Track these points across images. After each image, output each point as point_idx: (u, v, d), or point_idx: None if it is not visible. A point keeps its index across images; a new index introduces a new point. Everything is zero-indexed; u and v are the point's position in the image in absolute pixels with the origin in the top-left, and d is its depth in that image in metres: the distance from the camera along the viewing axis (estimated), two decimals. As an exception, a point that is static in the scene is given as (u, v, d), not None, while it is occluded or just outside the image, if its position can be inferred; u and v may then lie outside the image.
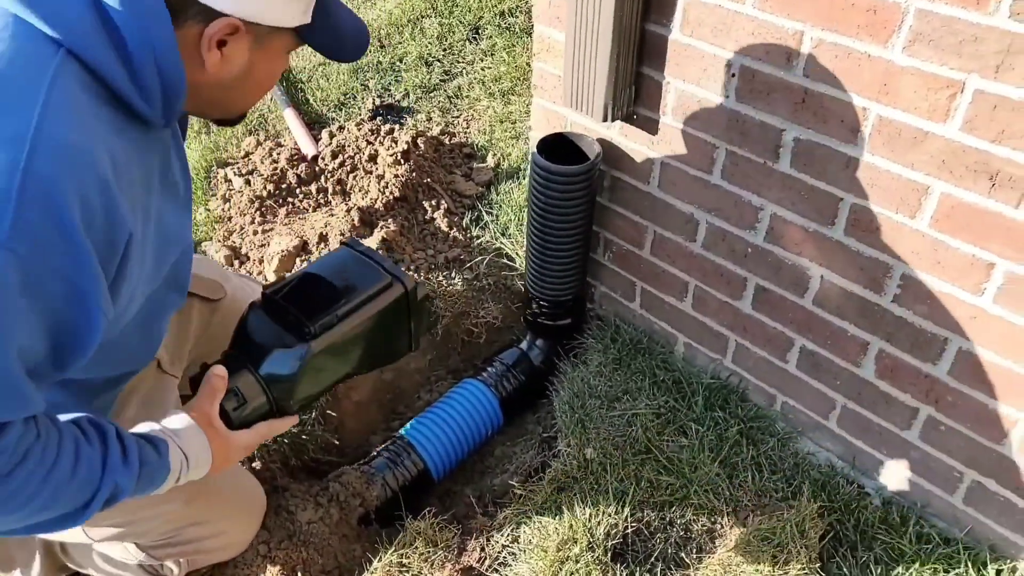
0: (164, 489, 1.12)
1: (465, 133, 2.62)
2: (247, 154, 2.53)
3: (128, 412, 1.35)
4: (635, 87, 1.66)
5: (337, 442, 1.93)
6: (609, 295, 2.06)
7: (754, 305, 1.72)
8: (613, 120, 1.65)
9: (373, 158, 2.38)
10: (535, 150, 1.75)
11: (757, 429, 1.79)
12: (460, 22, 3.02)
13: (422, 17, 3.07)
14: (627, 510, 1.58)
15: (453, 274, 2.14)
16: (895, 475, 1.65)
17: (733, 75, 1.49)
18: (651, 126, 1.69)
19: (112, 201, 0.88)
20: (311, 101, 2.78)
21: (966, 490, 1.54)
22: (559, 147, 1.79)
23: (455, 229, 2.25)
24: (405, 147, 2.32)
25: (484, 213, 2.30)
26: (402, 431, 1.90)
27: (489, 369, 2.03)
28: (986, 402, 1.43)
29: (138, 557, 1.47)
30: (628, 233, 1.90)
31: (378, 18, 3.10)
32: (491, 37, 2.94)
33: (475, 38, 2.99)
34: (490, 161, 2.48)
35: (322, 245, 2.13)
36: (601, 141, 1.80)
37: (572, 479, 1.68)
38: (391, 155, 2.30)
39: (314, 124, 2.69)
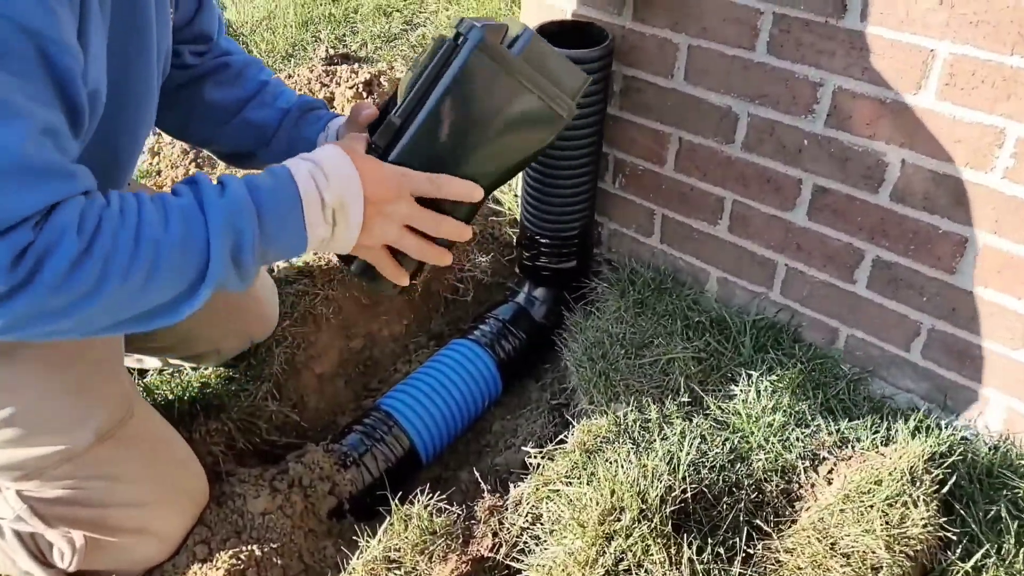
0: (313, 233, 0.94)
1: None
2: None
3: None
4: (655, -52, 1.35)
5: (297, 419, 1.54)
6: (620, 232, 1.73)
7: (811, 214, 1.40)
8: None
9: (329, 101, 2.02)
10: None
11: (820, 371, 1.45)
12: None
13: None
14: (681, 471, 1.22)
15: (432, 220, 1.79)
16: (1006, 411, 1.33)
17: (784, -91, 1.19)
18: (673, 0, 1.38)
19: None
20: (255, 53, 2.42)
21: (1102, 417, 1.23)
22: (559, 43, 1.47)
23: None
24: (368, 79, 1.97)
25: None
26: (379, 402, 1.52)
27: (482, 327, 1.67)
28: None
29: (17, 509, 1.09)
30: (646, 147, 1.57)
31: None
32: (456, -14, 2.64)
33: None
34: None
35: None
36: (610, 27, 1.48)
37: (604, 440, 1.32)
38: (351, 88, 1.94)
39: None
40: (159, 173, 1.93)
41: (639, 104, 1.53)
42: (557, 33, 1.47)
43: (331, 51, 2.41)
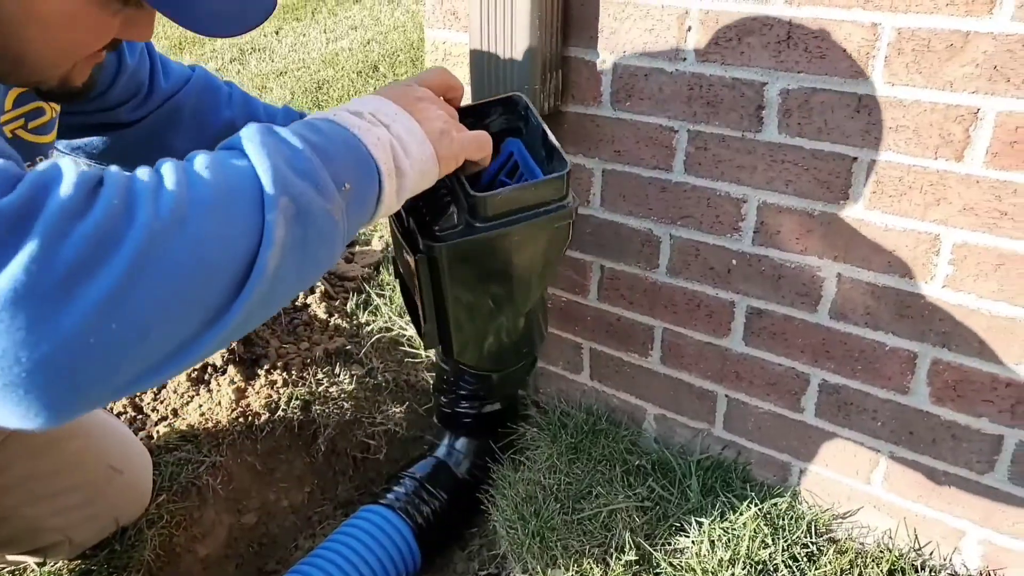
0: (390, 178, 0.73)
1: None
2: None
3: None
4: (561, 73, 1.31)
5: (174, 618, 1.28)
6: (547, 370, 1.59)
7: (748, 339, 1.30)
8: (541, 109, 1.27)
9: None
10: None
11: (777, 513, 1.30)
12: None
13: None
14: (634, 647, 1.03)
15: (337, 370, 1.61)
16: (984, 545, 1.19)
17: (690, 28, 1.16)
18: (585, 124, 1.32)
19: None
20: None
21: (1089, 544, 1.10)
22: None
23: (336, 315, 1.74)
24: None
25: (374, 295, 1.81)
26: (275, 587, 1.28)
27: (396, 489, 1.46)
28: (1104, 402, 1.03)
29: None
30: (566, 277, 1.47)
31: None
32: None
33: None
34: (376, 245, 2.03)
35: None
36: (521, 157, 1.41)
37: (541, 615, 1.11)
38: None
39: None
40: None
41: (556, 233, 1.44)
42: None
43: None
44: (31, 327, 0.51)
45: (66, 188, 0.55)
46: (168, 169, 0.62)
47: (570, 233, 0.96)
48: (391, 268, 1.90)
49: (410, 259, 0.93)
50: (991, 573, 1.20)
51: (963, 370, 1.12)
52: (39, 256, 0.52)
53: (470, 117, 0.94)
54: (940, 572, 1.21)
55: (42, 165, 0.58)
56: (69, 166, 0.58)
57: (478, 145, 0.84)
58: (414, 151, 0.76)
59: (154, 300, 0.56)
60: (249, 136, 0.67)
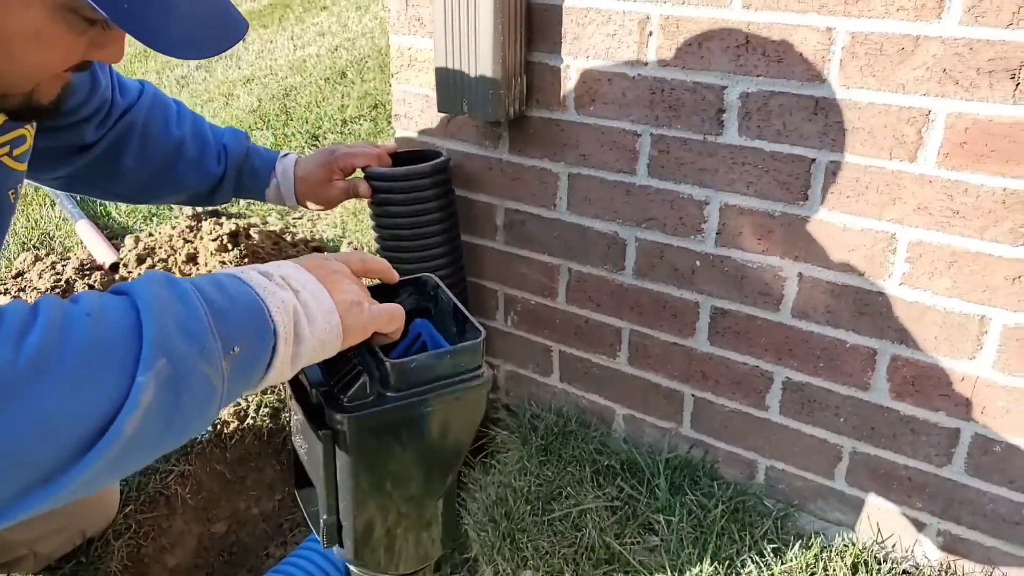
0: (286, 344, 0.68)
1: (312, 232, 2.17)
2: (20, 273, 1.93)
3: None
4: (526, 78, 1.32)
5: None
6: (518, 374, 1.60)
7: (712, 339, 1.32)
8: (503, 119, 1.28)
9: (193, 258, 1.86)
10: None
11: (743, 510, 1.32)
12: (297, 131, 2.67)
13: (251, 129, 2.70)
14: (604, 645, 1.04)
15: (307, 377, 1.61)
16: (943, 536, 1.22)
17: (651, 33, 1.18)
18: (550, 128, 1.34)
19: None
20: (113, 213, 2.25)
21: (1044, 533, 1.14)
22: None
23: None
24: (233, 230, 1.83)
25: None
26: (245, 596, 1.27)
27: (367, 495, 1.46)
28: (1055, 394, 1.06)
29: None
30: (535, 281, 1.48)
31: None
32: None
33: (315, 145, 2.63)
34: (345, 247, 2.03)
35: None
36: (488, 161, 1.42)
37: (512, 616, 1.12)
38: (215, 240, 1.79)
39: (118, 237, 2.15)
40: None
41: (524, 237, 1.45)
42: (405, 159, 1.38)
43: (199, 208, 2.28)
44: None
45: None
46: (46, 307, 0.58)
47: (484, 406, 0.90)
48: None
49: (306, 446, 0.87)
50: (951, 563, 1.22)
51: (920, 365, 1.15)
52: None
53: (381, 295, 0.89)
54: (902, 564, 1.23)
55: None
56: None
57: (389, 317, 0.80)
58: (319, 320, 0.72)
59: None
60: (145, 286, 0.63)
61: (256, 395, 1.56)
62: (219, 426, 1.50)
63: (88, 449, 0.55)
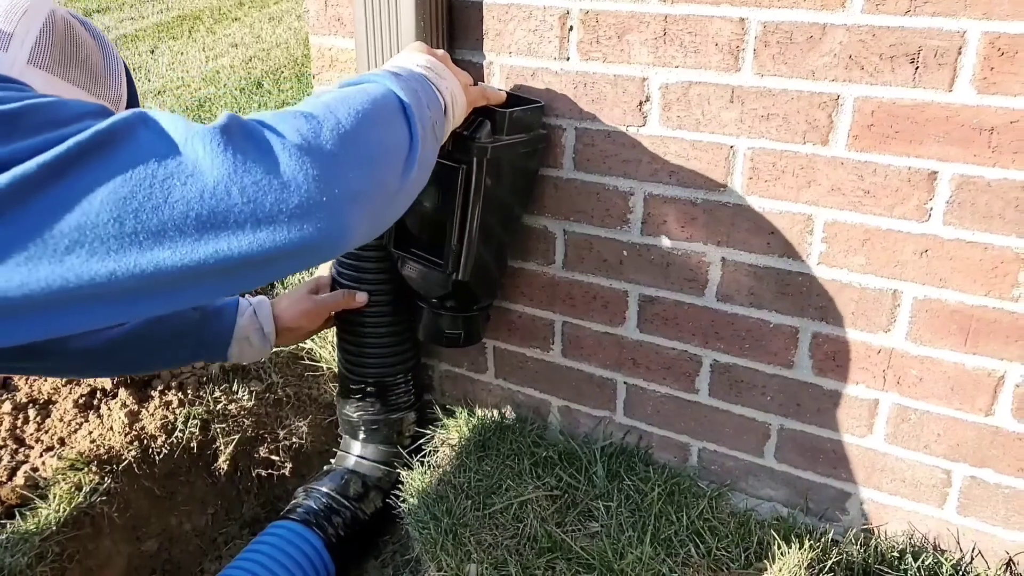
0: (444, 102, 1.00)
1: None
2: None
3: None
4: (450, 75, 1.32)
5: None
6: (452, 372, 1.59)
7: (641, 326, 1.35)
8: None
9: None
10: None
11: (679, 492, 1.35)
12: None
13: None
14: (552, 630, 1.04)
15: (235, 386, 1.57)
16: (867, 503, 1.28)
17: (571, 28, 1.21)
18: (476, 125, 1.35)
19: None
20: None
21: (959, 494, 1.20)
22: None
23: (232, 330, 1.69)
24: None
25: (270, 308, 1.77)
26: (180, 612, 1.23)
27: (305, 503, 1.43)
28: (962, 360, 1.13)
29: None
30: (466, 278, 1.48)
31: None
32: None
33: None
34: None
35: None
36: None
37: (458, 610, 1.12)
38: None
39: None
40: None
41: (453, 234, 1.46)
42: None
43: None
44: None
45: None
46: (304, 108, 0.77)
47: (542, 155, 1.29)
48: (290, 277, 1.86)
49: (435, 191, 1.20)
50: (875, 529, 1.28)
51: (840, 341, 1.20)
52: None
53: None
54: (829, 533, 1.28)
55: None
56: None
57: (482, 93, 1.15)
58: (459, 99, 1.05)
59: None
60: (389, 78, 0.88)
61: (184, 407, 1.51)
62: (145, 441, 1.45)
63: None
